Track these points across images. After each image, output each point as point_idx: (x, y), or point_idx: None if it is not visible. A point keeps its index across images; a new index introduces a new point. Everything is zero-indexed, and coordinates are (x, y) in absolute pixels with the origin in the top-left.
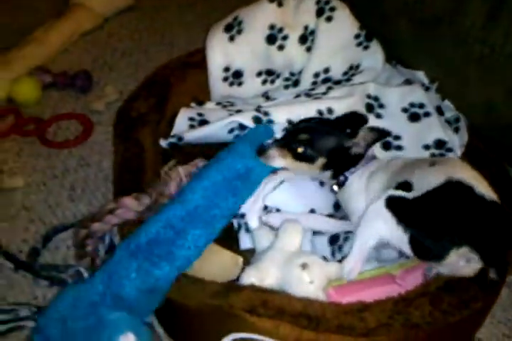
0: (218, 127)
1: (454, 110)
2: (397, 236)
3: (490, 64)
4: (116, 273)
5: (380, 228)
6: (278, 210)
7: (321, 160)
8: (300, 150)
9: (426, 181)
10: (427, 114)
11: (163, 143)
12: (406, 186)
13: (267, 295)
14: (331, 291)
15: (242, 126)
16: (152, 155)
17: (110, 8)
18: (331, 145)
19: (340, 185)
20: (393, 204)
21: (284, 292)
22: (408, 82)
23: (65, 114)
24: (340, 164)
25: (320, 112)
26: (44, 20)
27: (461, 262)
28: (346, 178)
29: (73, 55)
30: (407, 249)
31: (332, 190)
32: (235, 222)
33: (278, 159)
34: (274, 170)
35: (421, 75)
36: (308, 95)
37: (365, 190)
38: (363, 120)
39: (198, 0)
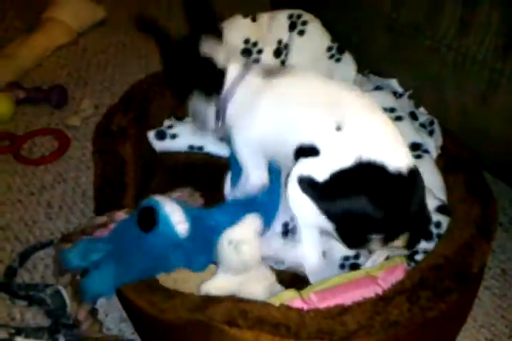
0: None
1: (427, 115)
2: (324, 224)
3: (463, 71)
4: None
5: (308, 215)
6: None
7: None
8: None
9: (333, 155)
10: (398, 118)
11: (151, 134)
12: (311, 150)
13: (245, 305)
14: (312, 296)
15: None
16: (133, 169)
17: (83, 22)
18: None
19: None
20: (307, 188)
21: (261, 301)
22: (378, 88)
23: (39, 129)
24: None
25: None
26: (16, 35)
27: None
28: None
29: (47, 70)
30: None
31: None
32: None
33: None
34: None
35: (393, 83)
36: None
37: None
38: None
39: (172, 13)
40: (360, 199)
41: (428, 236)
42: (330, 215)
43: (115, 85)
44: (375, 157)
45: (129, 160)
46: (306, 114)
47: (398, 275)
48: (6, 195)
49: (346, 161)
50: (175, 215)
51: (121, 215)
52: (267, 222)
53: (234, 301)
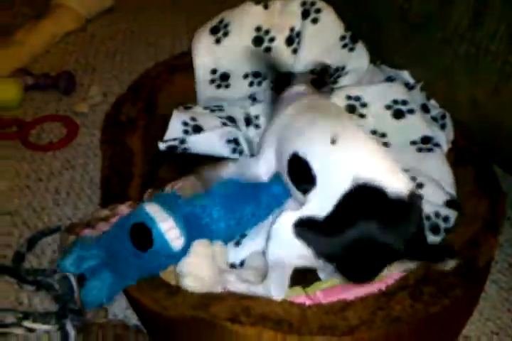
0: (217, 135)
1: (438, 108)
2: (319, 265)
3: (475, 63)
4: None
5: (293, 257)
6: None
7: None
8: None
9: (329, 176)
10: (410, 111)
11: (162, 145)
12: (308, 176)
13: (247, 302)
14: (318, 293)
15: (236, 141)
16: (141, 160)
17: (92, 9)
18: None
19: None
20: (304, 232)
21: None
22: (390, 79)
23: (48, 115)
24: None
25: None
26: (25, 21)
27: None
28: None
29: (55, 56)
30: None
31: None
32: None
33: None
34: None
35: (405, 74)
36: None
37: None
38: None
39: (180, 1)
40: (371, 224)
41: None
42: (332, 255)
43: (123, 73)
44: (372, 178)
45: (137, 151)
46: (305, 125)
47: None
48: (14, 180)
49: (343, 182)
50: (170, 233)
51: (123, 209)
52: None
53: (236, 298)
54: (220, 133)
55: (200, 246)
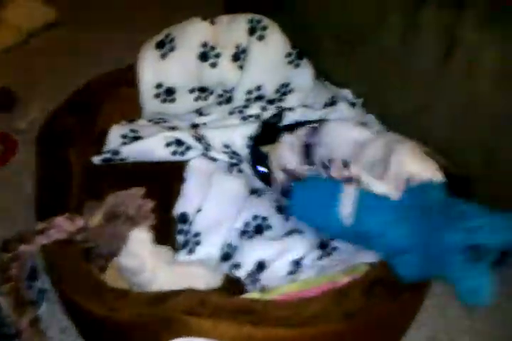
0: (155, 140)
1: (378, 124)
2: None
3: (406, 77)
4: None
5: None
6: None
7: None
8: None
9: None
10: None
11: (97, 159)
12: None
13: (204, 295)
14: (277, 297)
15: (178, 142)
16: (79, 173)
17: (34, 23)
18: None
19: None
20: None
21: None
22: (334, 99)
23: None
24: None
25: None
26: None
27: None
28: None
29: None
30: None
31: None
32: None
33: None
34: None
35: (347, 93)
36: (241, 112)
37: None
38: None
39: (124, 16)
40: None
41: None
42: None
43: (66, 88)
44: None
45: (74, 163)
46: None
47: None
48: None
49: None
50: None
51: (60, 221)
52: None
53: (193, 292)
54: (157, 138)
55: (139, 232)
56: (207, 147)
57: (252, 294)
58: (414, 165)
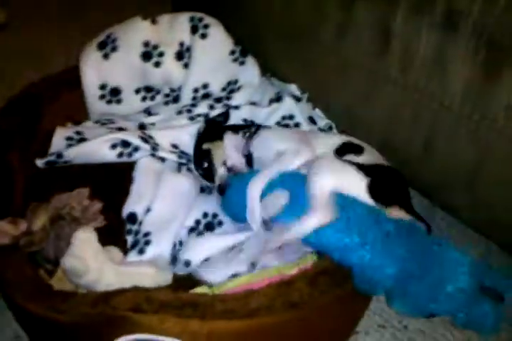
0: (99, 142)
1: (325, 118)
2: None
3: (345, 73)
4: None
5: None
6: None
7: None
8: None
9: None
10: (296, 125)
11: (40, 162)
12: None
13: (150, 292)
14: (226, 291)
15: (125, 143)
16: (22, 177)
17: None
18: None
19: None
20: None
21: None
22: (280, 94)
23: None
24: None
25: None
26: None
27: None
28: None
29: None
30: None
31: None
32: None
33: None
34: None
35: (293, 88)
36: (189, 111)
37: None
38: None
39: (72, 18)
40: None
41: None
42: None
43: (13, 91)
44: None
45: (16, 166)
46: None
47: None
48: None
49: None
50: None
51: (3, 225)
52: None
53: (139, 289)
54: (101, 140)
55: (82, 233)
56: (155, 147)
57: (201, 288)
58: (334, 181)
